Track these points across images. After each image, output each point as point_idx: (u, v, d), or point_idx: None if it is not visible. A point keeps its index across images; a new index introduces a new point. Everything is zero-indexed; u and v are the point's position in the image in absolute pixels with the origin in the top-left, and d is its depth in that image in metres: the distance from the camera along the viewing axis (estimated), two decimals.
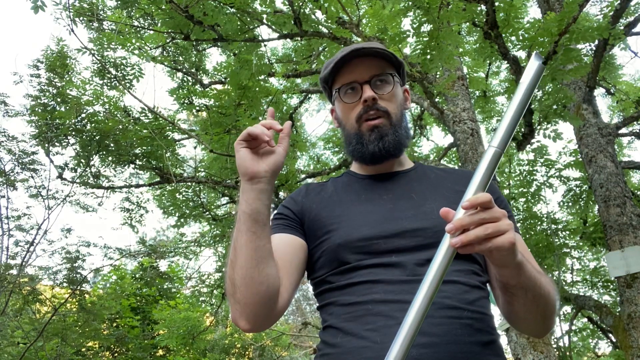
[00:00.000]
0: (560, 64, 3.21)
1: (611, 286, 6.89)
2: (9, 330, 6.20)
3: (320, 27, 4.26)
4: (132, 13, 5.52)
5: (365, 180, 1.11)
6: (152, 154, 5.40)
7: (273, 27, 4.41)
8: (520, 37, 3.44)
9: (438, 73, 4.64)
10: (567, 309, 6.87)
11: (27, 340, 5.79)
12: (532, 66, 0.76)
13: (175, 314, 7.24)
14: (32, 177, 6.17)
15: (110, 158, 5.39)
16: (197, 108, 6.06)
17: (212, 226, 6.51)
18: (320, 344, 0.96)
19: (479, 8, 3.37)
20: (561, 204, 6.41)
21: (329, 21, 3.95)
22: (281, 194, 5.71)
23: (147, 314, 8.72)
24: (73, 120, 5.13)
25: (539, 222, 6.31)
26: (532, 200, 6.34)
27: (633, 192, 5.14)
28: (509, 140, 0.74)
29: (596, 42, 4.15)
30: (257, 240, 0.87)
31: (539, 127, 4.16)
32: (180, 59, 6.47)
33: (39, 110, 5.35)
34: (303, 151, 7.16)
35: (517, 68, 3.45)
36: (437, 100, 4.66)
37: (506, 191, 6.38)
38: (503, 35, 3.38)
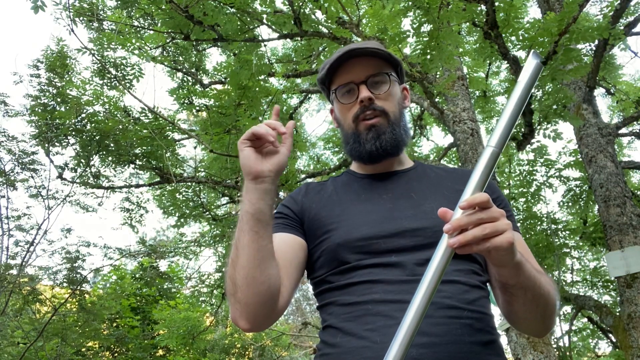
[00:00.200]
0: (560, 64, 3.21)
1: (611, 286, 6.89)
2: (9, 330, 6.20)
3: (320, 27, 4.26)
4: (132, 13, 5.52)
5: (365, 179, 1.11)
6: (152, 154, 5.40)
7: (273, 27, 4.41)
8: (520, 37, 3.44)
9: (438, 73, 4.64)
10: (567, 309, 6.87)
11: (27, 340, 5.79)
12: (530, 65, 0.75)
13: (175, 314, 7.25)
14: (32, 177, 6.17)
15: (110, 158, 5.39)
16: (197, 108, 6.06)
17: (212, 226, 6.51)
18: (320, 344, 0.96)
19: (479, 8, 3.37)
20: (561, 204, 6.41)
21: (329, 21, 3.95)
22: (281, 193, 5.70)
23: (147, 314, 8.72)
24: (73, 120, 5.13)
25: (539, 222, 6.31)
26: (532, 200, 6.34)
27: (633, 192, 5.14)
28: (506, 140, 0.73)
29: (596, 42, 4.15)
30: (260, 240, 0.86)
31: (539, 127, 4.16)
32: (180, 59, 6.47)
33: (39, 110, 5.35)
34: (303, 151, 7.16)
35: (517, 68, 3.45)
36: (437, 100, 4.66)
37: (506, 191, 6.37)
38: (503, 35, 3.38)
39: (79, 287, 6.17)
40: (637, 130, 5.99)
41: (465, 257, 0.94)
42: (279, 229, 1.04)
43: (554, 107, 3.92)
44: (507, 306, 0.89)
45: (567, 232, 6.41)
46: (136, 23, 5.65)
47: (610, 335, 6.88)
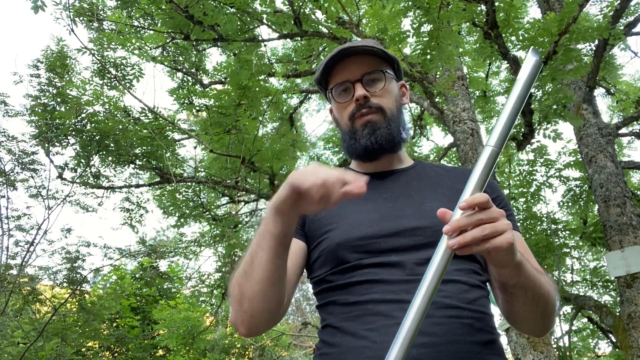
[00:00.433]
0: (560, 64, 3.21)
1: (611, 286, 6.89)
2: (9, 330, 6.19)
3: (320, 27, 4.26)
4: (132, 13, 5.52)
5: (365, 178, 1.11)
6: (152, 154, 5.40)
7: (273, 27, 4.41)
8: (520, 37, 3.44)
9: (438, 73, 4.64)
10: (567, 309, 6.87)
11: (27, 340, 5.79)
12: (529, 62, 0.74)
13: (175, 314, 7.24)
14: (32, 177, 6.17)
15: (110, 158, 5.39)
16: (197, 108, 6.05)
17: (212, 226, 6.50)
18: (319, 343, 0.96)
19: (479, 8, 3.37)
20: (561, 204, 6.41)
21: (329, 21, 3.95)
22: None
23: (147, 314, 8.72)
24: (73, 120, 5.13)
25: (539, 222, 6.31)
26: (532, 200, 6.34)
27: (633, 192, 5.14)
28: (506, 139, 0.72)
29: (596, 42, 4.15)
30: (278, 261, 0.85)
31: (539, 127, 4.16)
32: (180, 59, 6.47)
33: (39, 110, 5.35)
34: (303, 151, 7.16)
35: (517, 68, 3.45)
36: (437, 100, 4.66)
37: (506, 191, 6.37)
38: (503, 35, 3.38)
39: (79, 287, 6.17)
40: (637, 130, 5.99)
41: (466, 257, 0.94)
42: None
43: (554, 107, 3.92)
44: (507, 306, 0.89)
45: (567, 232, 6.40)
46: (136, 23, 5.65)
47: (610, 335, 6.88)
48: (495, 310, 0.99)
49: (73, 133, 5.20)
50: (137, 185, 5.94)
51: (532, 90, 3.93)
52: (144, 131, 5.08)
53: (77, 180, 5.62)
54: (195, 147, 6.42)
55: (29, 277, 6.07)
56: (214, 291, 7.45)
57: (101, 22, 5.48)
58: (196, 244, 7.33)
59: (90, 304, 6.27)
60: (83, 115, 5.14)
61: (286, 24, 4.16)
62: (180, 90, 6.11)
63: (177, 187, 5.66)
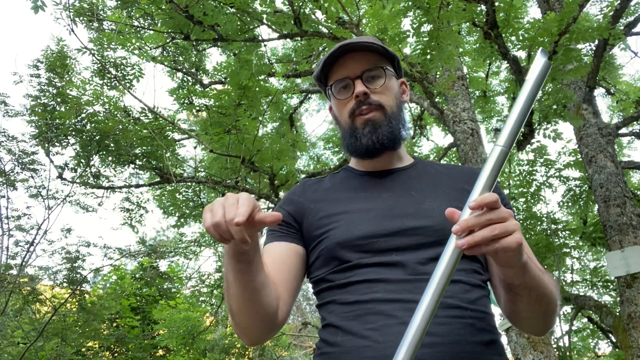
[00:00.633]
0: (560, 64, 3.21)
1: (611, 286, 6.89)
2: (9, 330, 6.20)
3: (320, 27, 4.26)
4: (132, 13, 5.51)
5: (364, 177, 1.10)
6: (152, 154, 5.40)
7: (273, 27, 4.41)
8: (520, 37, 3.44)
9: (438, 73, 4.64)
10: (567, 309, 6.87)
11: (27, 340, 5.79)
12: (538, 63, 0.74)
13: (175, 314, 7.24)
14: (32, 177, 6.17)
15: (110, 158, 5.39)
16: (197, 108, 6.06)
17: None
18: (320, 343, 0.96)
19: (479, 8, 3.37)
20: (561, 204, 6.41)
21: (329, 21, 3.95)
22: (281, 194, 5.70)
23: (147, 314, 8.72)
24: (73, 120, 5.13)
25: (539, 222, 6.31)
26: (532, 200, 6.34)
27: (633, 192, 5.14)
28: (515, 139, 0.72)
29: (596, 42, 4.15)
30: (245, 277, 0.85)
31: (539, 127, 4.16)
32: (180, 59, 6.47)
33: (39, 110, 5.35)
34: (303, 151, 7.16)
35: (517, 68, 3.45)
36: (437, 100, 4.66)
37: (506, 191, 6.37)
38: (503, 35, 3.38)
39: (79, 287, 6.17)
40: (637, 130, 5.99)
41: (467, 257, 0.93)
42: (275, 238, 1.03)
43: (554, 107, 3.92)
44: (511, 305, 0.89)
45: (567, 232, 6.40)
46: (136, 23, 5.65)
47: (610, 335, 6.88)
48: (495, 310, 0.99)
49: (73, 133, 5.20)
50: (137, 185, 5.94)
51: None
52: (144, 131, 5.08)
53: (77, 180, 5.62)
54: (195, 147, 6.43)
55: (29, 277, 6.07)
56: (214, 291, 7.45)
57: (101, 22, 5.47)
58: (196, 244, 7.33)
59: (90, 304, 6.27)
60: (83, 115, 5.14)
61: (286, 24, 4.15)
62: (180, 90, 6.11)
63: (177, 187, 5.66)
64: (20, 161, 6.04)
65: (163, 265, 9.52)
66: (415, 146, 7.39)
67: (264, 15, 4.19)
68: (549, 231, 6.15)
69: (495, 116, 7.33)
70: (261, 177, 5.54)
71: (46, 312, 6.42)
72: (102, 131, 4.98)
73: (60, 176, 5.55)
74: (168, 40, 4.93)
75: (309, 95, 7.54)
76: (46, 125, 5.30)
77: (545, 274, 0.88)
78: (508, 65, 3.84)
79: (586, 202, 6.07)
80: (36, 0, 3.67)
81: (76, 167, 5.52)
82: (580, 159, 5.12)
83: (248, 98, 4.74)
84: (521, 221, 6.24)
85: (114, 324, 8.38)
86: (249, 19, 4.12)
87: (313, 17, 4.12)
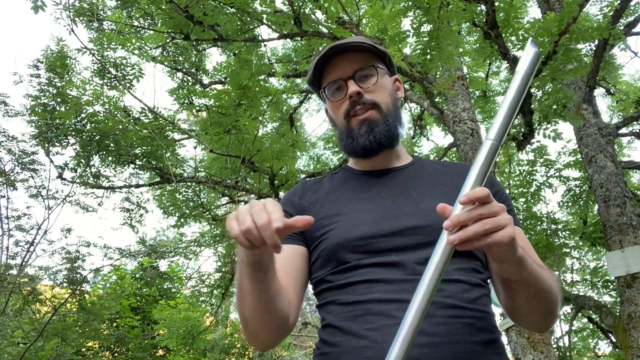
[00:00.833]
0: (560, 63, 3.21)
1: (611, 286, 6.88)
2: (9, 330, 6.19)
3: (320, 27, 4.26)
4: (132, 13, 5.51)
5: (363, 176, 1.10)
6: (152, 154, 5.40)
7: (273, 27, 4.41)
8: (520, 37, 3.44)
9: (438, 73, 4.64)
10: (567, 309, 6.87)
11: (27, 340, 5.79)
12: (528, 54, 0.72)
13: (175, 314, 7.24)
14: (32, 177, 6.17)
15: (110, 158, 5.39)
16: (197, 108, 6.06)
17: (212, 226, 6.51)
18: (319, 343, 0.96)
19: (479, 8, 3.37)
20: (561, 204, 6.41)
21: (329, 21, 3.95)
22: (281, 194, 5.71)
23: (147, 314, 8.72)
24: (73, 120, 5.13)
25: (539, 222, 6.31)
26: (532, 200, 6.34)
27: (633, 192, 5.14)
28: (505, 133, 0.71)
29: (596, 42, 4.15)
30: (262, 286, 0.85)
31: (539, 127, 4.16)
32: (180, 59, 6.47)
33: (39, 110, 5.35)
34: (303, 151, 7.16)
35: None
36: (437, 100, 4.66)
37: (506, 191, 6.37)
38: (503, 35, 3.38)
39: (79, 287, 6.17)
40: (637, 130, 5.99)
41: (466, 255, 0.93)
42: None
43: (554, 107, 3.92)
44: (509, 302, 0.89)
45: (567, 232, 6.41)
46: (136, 23, 5.65)
47: (610, 335, 6.88)
48: (495, 310, 0.99)
49: (73, 133, 5.20)
50: (137, 185, 5.94)
51: (533, 90, 3.93)
52: (144, 131, 5.08)
53: (77, 180, 5.62)
54: (195, 147, 6.42)
55: (29, 277, 6.07)
56: (214, 291, 7.45)
57: (101, 22, 5.47)
58: (196, 244, 7.33)
59: (90, 304, 6.27)
60: (83, 115, 5.13)
61: (286, 24, 4.15)
62: (180, 90, 6.11)
63: (177, 187, 5.66)
64: (20, 161, 6.04)
65: (163, 265, 9.53)
66: (415, 146, 7.39)
67: (264, 15, 4.19)
68: (549, 231, 6.15)
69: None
70: (261, 177, 5.54)
71: (46, 312, 6.42)
72: (102, 131, 4.98)
73: (60, 176, 5.55)
74: (168, 40, 4.93)
75: (309, 95, 7.53)
76: (46, 125, 5.30)
77: (545, 270, 0.88)
78: (508, 65, 3.84)
79: (586, 202, 6.08)
80: (36, 0, 3.67)
81: (76, 167, 5.52)
82: (580, 159, 5.12)
83: (248, 98, 4.74)
84: (521, 221, 6.25)
85: (114, 324, 8.38)
86: (249, 19, 4.11)
87: (313, 17, 4.12)
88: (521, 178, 6.33)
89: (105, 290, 8.42)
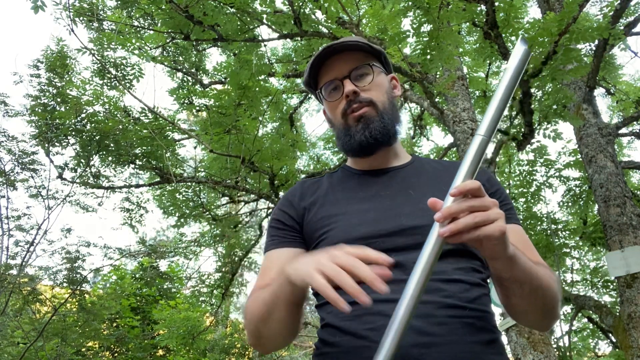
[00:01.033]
0: (560, 63, 3.21)
1: (611, 286, 6.88)
2: (9, 330, 6.19)
3: (320, 27, 4.26)
4: (132, 13, 5.51)
5: (362, 176, 1.10)
6: (152, 154, 5.40)
7: (273, 27, 4.41)
8: (520, 37, 3.43)
9: (438, 73, 4.64)
10: (567, 309, 6.87)
11: (27, 340, 5.79)
12: (518, 51, 0.73)
13: (175, 314, 7.24)
14: (32, 177, 6.16)
15: (110, 158, 5.39)
16: (197, 108, 6.06)
17: (212, 226, 6.50)
18: (319, 343, 0.96)
19: (479, 8, 3.37)
20: (561, 204, 6.41)
21: (329, 21, 3.95)
22: (281, 193, 5.71)
23: (147, 314, 8.72)
24: (73, 120, 5.13)
25: (539, 222, 6.31)
26: (532, 200, 6.34)
27: (633, 192, 5.14)
28: (495, 128, 0.72)
29: (596, 42, 4.15)
30: (297, 309, 0.88)
31: (539, 127, 4.16)
32: (180, 59, 6.47)
33: (39, 110, 5.34)
34: (303, 151, 7.16)
35: None
36: (437, 100, 4.66)
37: (506, 191, 6.37)
38: (503, 35, 3.38)
39: (79, 287, 6.16)
40: (637, 130, 5.99)
41: (466, 254, 0.93)
42: (280, 244, 1.04)
43: (554, 107, 3.92)
44: (505, 299, 0.89)
45: (567, 232, 6.41)
46: (136, 23, 5.65)
47: (610, 335, 6.88)
48: (495, 309, 0.99)
49: (73, 133, 5.20)
50: (137, 185, 5.93)
51: (533, 90, 3.93)
52: (144, 131, 5.08)
53: (77, 180, 5.62)
54: (195, 147, 6.42)
55: (29, 277, 6.06)
56: (214, 291, 7.45)
57: (101, 22, 5.47)
58: (196, 244, 7.33)
59: (90, 304, 6.27)
60: (83, 115, 5.13)
61: (286, 24, 4.15)
62: (180, 90, 6.11)
63: (177, 187, 5.66)
64: (20, 161, 6.04)
65: (163, 265, 9.53)
66: (415, 146, 7.39)
67: (264, 15, 4.19)
68: (549, 231, 6.15)
69: None
70: (261, 177, 5.54)
71: (46, 312, 6.42)
72: (102, 131, 4.98)
73: (60, 176, 5.55)
74: (168, 40, 4.93)
75: (309, 95, 7.53)
76: (46, 125, 5.29)
77: (542, 267, 0.88)
78: None
79: (586, 202, 6.07)
80: (36, 0, 3.67)
81: (76, 167, 5.51)
82: (580, 159, 5.12)
83: (248, 98, 4.74)
84: (521, 221, 6.24)
85: (114, 324, 8.38)
86: (249, 19, 4.11)
87: (313, 17, 4.12)
88: (521, 178, 6.33)
89: (105, 290, 8.42)
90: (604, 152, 4.59)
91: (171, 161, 5.49)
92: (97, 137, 5.09)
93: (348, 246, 0.73)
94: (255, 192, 5.56)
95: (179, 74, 6.62)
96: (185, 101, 6.04)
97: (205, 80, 6.58)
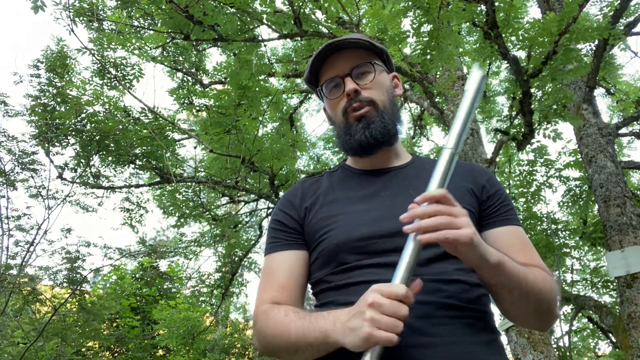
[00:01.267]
0: (560, 64, 3.21)
1: (611, 286, 6.89)
2: (9, 330, 6.19)
3: (320, 27, 4.26)
4: (132, 13, 5.51)
5: (362, 175, 1.09)
6: (152, 154, 5.39)
7: (273, 27, 4.41)
8: (520, 37, 3.43)
9: (438, 73, 4.64)
10: (567, 309, 6.87)
11: (27, 340, 5.79)
12: (476, 76, 0.85)
13: (175, 314, 7.24)
14: (32, 177, 6.16)
15: (110, 158, 5.38)
16: (197, 108, 6.05)
17: (212, 226, 6.50)
18: None
19: (479, 8, 3.36)
20: (561, 204, 6.41)
21: (329, 21, 3.95)
22: (281, 193, 5.71)
23: (147, 314, 8.72)
24: (73, 120, 5.12)
25: (539, 222, 6.31)
26: (532, 200, 6.34)
27: (633, 192, 5.13)
28: (460, 142, 0.82)
29: (596, 42, 4.15)
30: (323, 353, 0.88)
31: (539, 127, 4.16)
32: (180, 59, 6.47)
33: (39, 110, 5.34)
34: (303, 151, 7.16)
35: (517, 68, 3.45)
36: (437, 100, 4.65)
37: (506, 191, 6.36)
38: (503, 35, 3.38)
39: (79, 287, 6.16)
40: (637, 130, 5.99)
41: None
42: (283, 246, 1.03)
43: (554, 107, 3.92)
44: (497, 304, 0.91)
45: (567, 232, 6.40)
46: (136, 23, 5.64)
47: (610, 335, 6.88)
48: (495, 310, 0.99)
49: (73, 133, 5.20)
50: (137, 185, 5.93)
51: (533, 90, 3.93)
52: (144, 131, 5.08)
53: (77, 180, 5.62)
54: (195, 147, 6.42)
55: (29, 277, 6.06)
56: (214, 291, 7.44)
57: (101, 22, 5.47)
58: (196, 244, 7.33)
59: (90, 304, 6.27)
60: (83, 115, 5.13)
61: (286, 24, 4.15)
62: (180, 90, 6.11)
63: (177, 187, 5.66)
64: (20, 161, 6.03)
65: (163, 265, 9.53)
66: (415, 146, 7.39)
67: (264, 15, 4.18)
68: (549, 231, 6.15)
69: (495, 116, 7.33)
70: (261, 177, 5.54)
71: (46, 312, 6.42)
72: (102, 131, 4.98)
73: (60, 176, 5.55)
74: (168, 40, 4.93)
75: (309, 95, 7.53)
76: (46, 125, 5.29)
77: (536, 270, 0.89)
78: (508, 65, 3.83)
79: (586, 202, 6.07)
80: (36, 0, 3.67)
81: (76, 167, 5.51)
82: (580, 159, 5.12)
83: (248, 98, 4.74)
84: (521, 221, 6.24)
85: (114, 324, 8.37)
86: (249, 19, 4.11)
87: (313, 17, 4.12)
88: (521, 178, 6.32)
89: (105, 290, 8.41)
90: (604, 152, 4.59)
91: (171, 161, 5.49)
92: (97, 137, 5.09)
93: (380, 286, 0.77)
94: (255, 192, 5.56)
95: (179, 74, 6.62)
96: (185, 101, 6.04)
97: (205, 80, 6.58)
